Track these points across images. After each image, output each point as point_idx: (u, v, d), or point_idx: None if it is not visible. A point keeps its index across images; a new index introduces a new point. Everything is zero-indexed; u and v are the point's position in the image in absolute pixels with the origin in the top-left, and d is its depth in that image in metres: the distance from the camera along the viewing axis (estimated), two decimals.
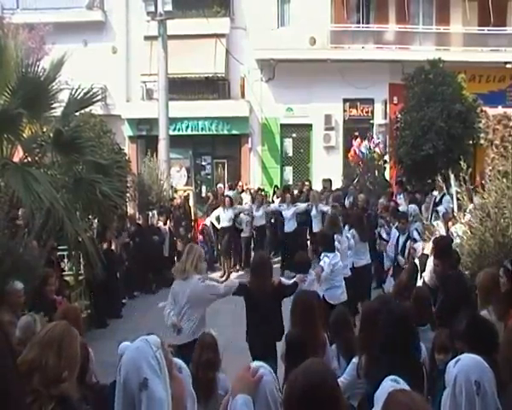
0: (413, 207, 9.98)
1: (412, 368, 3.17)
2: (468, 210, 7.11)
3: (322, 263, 6.93)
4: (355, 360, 3.90)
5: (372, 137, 16.59)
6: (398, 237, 8.69)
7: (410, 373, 2.98)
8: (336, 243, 7.64)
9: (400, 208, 10.86)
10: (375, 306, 4.23)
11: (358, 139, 16.48)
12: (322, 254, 7.02)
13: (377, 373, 2.75)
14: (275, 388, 2.26)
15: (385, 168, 14.89)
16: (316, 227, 12.32)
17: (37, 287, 6.27)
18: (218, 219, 12.57)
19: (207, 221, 13.12)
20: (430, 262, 5.85)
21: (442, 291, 5.18)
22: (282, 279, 6.27)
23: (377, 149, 15.40)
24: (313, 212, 12.30)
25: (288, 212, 12.37)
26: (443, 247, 5.95)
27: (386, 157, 16.51)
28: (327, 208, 12.18)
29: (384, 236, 9.86)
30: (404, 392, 2.05)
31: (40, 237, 7.25)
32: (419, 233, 8.35)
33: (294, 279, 6.12)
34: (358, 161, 15.58)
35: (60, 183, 7.92)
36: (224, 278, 11.73)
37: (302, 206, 12.73)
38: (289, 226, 12.36)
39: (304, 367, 2.08)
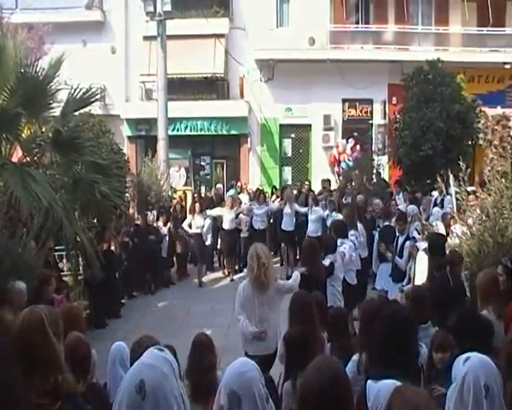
0: (411, 207, 9.97)
1: (410, 367, 3.16)
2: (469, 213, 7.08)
3: (342, 249, 7.36)
4: (355, 357, 3.91)
5: (355, 146, 16.38)
6: (398, 237, 8.66)
7: (408, 372, 2.99)
8: (353, 237, 8.37)
9: (400, 208, 10.84)
10: (376, 304, 4.24)
11: (340, 145, 16.45)
12: (339, 241, 7.43)
13: (375, 372, 2.76)
14: (261, 384, 2.27)
15: (380, 174, 14.94)
16: (288, 226, 12.45)
17: (37, 287, 6.25)
18: (190, 225, 12.29)
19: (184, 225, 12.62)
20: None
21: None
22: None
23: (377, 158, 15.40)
24: (287, 210, 12.43)
25: (259, 211, 12.54)
26: (431, 244, 6.12)
27: (385, 158, 16.55)
28: (304, 210, 12.30)
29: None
30: (408, 387, 2.05)
31: (39, 238, 7.24)
32: (419, 233, 8.34)
33: (329, 260, 6.76)
34: (335, 166, 15.70)
35: (59, 183, 7.91)
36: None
37: (275, 205, 12.97)
38: (259, 225, 12.56)
39: (317, 366, 2.08)
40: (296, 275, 5.98)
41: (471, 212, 6.92)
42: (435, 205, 11.08)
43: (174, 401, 1.77)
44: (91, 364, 3.40)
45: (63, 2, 18.56)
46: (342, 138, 18.28)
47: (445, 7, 19.07)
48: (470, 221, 6.79)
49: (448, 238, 7.58)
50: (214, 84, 19.45)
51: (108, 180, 8.33)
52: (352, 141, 17.04)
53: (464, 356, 2.55)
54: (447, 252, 6.35)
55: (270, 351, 5.23)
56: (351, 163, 16.26)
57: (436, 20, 19.27)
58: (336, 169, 15.97)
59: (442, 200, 11.14)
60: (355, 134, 19.22)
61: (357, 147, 16.75)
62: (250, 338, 5.30)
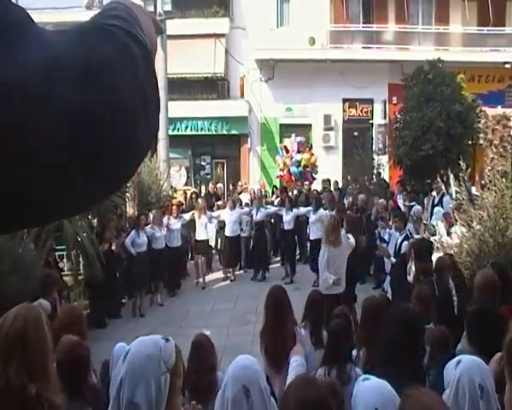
0: (417, 207, 10.04)
1: (416, 367, 3.15)
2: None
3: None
4: (354, 352, 3.91)
5: (295, 142, 15.59)
6: (397, 237, 8.66)
7: (413, 372, 2.98)
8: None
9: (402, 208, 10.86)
10: (376, 302, 4.23)
11: (279, 161, 15.95)
12: None
13: (380, 371, 2.74)
14: (265, 376, 2.30)
15: (380, 173, 14.65)
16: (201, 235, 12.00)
17: (42, 286, 6.17)
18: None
19: None
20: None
21: None
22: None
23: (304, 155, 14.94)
24: (200, 220, 12.03)
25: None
26: (416, 249, 6.17)
27: (385, 158, 16.53)
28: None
29: (386, 237, 9.78)
30: (420, 390, 2.04)
31: (39, 238, 7.24)
32: (411, 234, 8.40)
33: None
34: (292, 181, 15.23)
35: None
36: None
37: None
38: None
39: (299, 383, 2.08)
40: (352, 238, 7.47)
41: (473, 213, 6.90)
42: (434, 204, 11.08)
43: (154, 384, 1.64)
44: (91, 366, 3.39)
45: (63, 2, 18.59)
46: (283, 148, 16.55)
47: (445, 6, 19.08)
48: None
49: (449, 238, 7.59)
50: (214, 84, 19.46)
51: None
52: (294, 141, 15.82)
53: (455, 360, 2.53)
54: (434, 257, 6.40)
55: (340, 290, 7.03)
56: (298, 157, 15.34)
57: (436, 19, 19.28)
58: (293, 178, 15.18)
59: (440, 199, 11.13)
60: (355, 134, 19.28)
61: (296, 139, 15.63)
62: (330, 285, 6.94)
